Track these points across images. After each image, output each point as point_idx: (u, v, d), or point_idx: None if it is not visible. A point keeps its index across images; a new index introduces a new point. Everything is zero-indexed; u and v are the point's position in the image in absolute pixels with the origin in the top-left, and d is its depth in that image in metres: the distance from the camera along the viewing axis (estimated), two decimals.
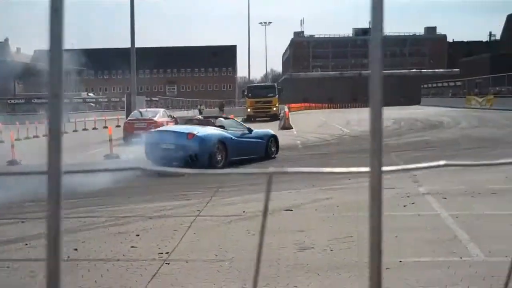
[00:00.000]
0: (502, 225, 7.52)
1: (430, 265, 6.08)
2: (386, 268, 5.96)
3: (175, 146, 15.32)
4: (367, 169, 1.05)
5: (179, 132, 16.02)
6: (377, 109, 1.04)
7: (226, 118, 19.62)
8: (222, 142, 15.78)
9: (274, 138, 18.04)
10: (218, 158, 15.54)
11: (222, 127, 16.75)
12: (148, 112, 27.89)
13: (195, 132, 15.66)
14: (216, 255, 6.68)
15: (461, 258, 6.28)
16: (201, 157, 15.17)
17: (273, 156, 17.61)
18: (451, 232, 7.42)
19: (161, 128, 17.76)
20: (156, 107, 46.05)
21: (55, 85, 0.95)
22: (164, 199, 10.43)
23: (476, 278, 5.58)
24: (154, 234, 7.79)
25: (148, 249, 7.03)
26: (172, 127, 17.70)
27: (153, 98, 63.02)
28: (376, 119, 1.04)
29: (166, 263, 6.43)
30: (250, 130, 17.58)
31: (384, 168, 1.07)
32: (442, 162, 1.19)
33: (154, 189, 11.60)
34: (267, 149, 17.38)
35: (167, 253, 6.84)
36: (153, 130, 17.87)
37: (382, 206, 1.07)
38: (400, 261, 6.20)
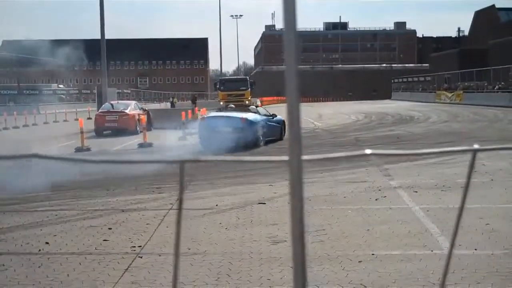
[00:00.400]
0: (472, 218, 7.63)
1: (402, 258, 6.15)
2: (359, 261, 6.02)
3: (232, 129, 17.58)
4: (286, 158, 1.04)
5: (234, 117, 18.37)
6: (294, 97, 1.02)
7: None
8: (263, 125, 18.64)
9: (284, 123, 20.14)
10: (261, 139, 18.36)
11: (256, 113, 19.40)
12: (120, 105, 27.61)
13: (246, 117, 18.37)
14: (189, 249, 6.67)
15: (432, 251, 6.37)
16: (252, 138, 17.86)
17: (282, 138, 20.07)
18: (422, 225, 7.52)
19: (214, 114, 19.78)
20: (128, 99, 45.73)
21: None
22: (136, 192, 10.37)
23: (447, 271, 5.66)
24: (126, 228, 7.74)
25: (120, 243, 6.99)
26: (223, 113, 19.65)
27: (125, 91, 62.50)
28: (294, 106, 1.02)
29: (139, 257, 6.40)
30: (274, 116, 20.29)
31: (305, 157, 1.06)
32: (368, 151, 1.18)
33: (126, 182, 11.51)
34: (281, 132, 20.17)
35: (139, 246, 6.81)
36: (206, 116, 19.74)
37: (304, 194, 1.05)
38: (373, 254, 6.27)
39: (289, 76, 1.02)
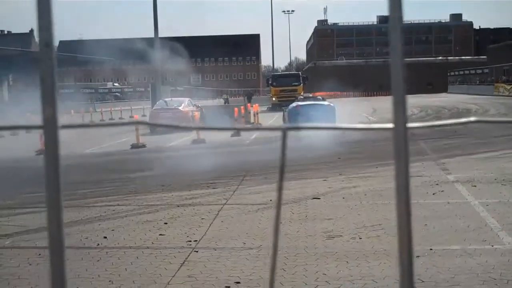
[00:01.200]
0: None
1: (461, 253, 6.00)
2: (417, 256, 5.90)
3: (321, 113, 21.34)
4: (390, 125, 0.99)
5: (321, 104, 23.33)
6: (398, 61, 0.97)
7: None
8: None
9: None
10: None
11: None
12: (174, 102, 27.93)
13: (329, 103, 23.61)
14: (244, 243, 6.68)
15: (492, 246, 6.20)
16: (333, 120, 21.31)
17: None
18: (482, 220, 7.33)
19: (302, 103, 23.92)
20: (182, 96, 46.25)
21: (47, 33, 0.91)
22: (191, 188, 10.46)
23: (508, 266, 5.51)
24: (182, 222, 7.82)
25: (176, 237, 7.06)
26: (307, 101, 24.36)
27: (178, 88, 63.17)
28: (397, 69, 0.97)
29: (195, 251, 6.44)
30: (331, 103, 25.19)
31: (410, 125, 1.00)
32: (472, 119, 1.12)
33: (181, 178, 11.63)
34: None
35: (195, 241, 6.86)
36: (292, 105, 24.00)
37: (409, 167, 0.99)
38: (431, 249, 6.15)
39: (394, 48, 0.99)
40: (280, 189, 1.08)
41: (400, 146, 0.95)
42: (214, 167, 12.39)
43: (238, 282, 5.38)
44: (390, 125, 0.96)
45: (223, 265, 5.92)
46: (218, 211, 8.37)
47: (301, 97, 28.85)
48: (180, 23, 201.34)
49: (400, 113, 0.94)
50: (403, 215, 0.97)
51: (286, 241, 6.76)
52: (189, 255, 6.28)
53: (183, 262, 6.04)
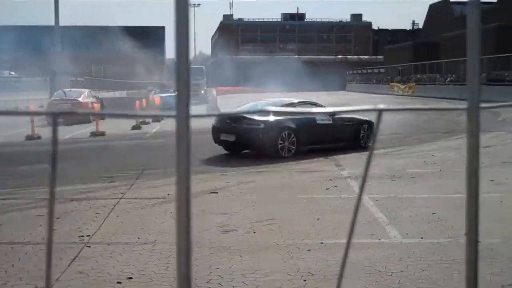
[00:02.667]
0: (419, 208, 7.78)
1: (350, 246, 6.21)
2: (308, 250, 6.08)
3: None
4: (173, 112, 1.01)
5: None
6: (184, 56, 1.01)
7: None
8: None
9: None
10: None
11: None
12: (73, 93, 27.17)
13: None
14: (139, 238, 6.62)
15: (379, 240, 6.47)
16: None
17: None
18: (371, 214, 7.63)
19: (161, 95, 31.20)
20: (82, 87, 45.05)
21: None
22: (87, 181, 10.23)
23: (393, 259, 5.77)
24: (75, 217, 7.64)
25: (68, 232, 6.89)
26: (167, 93, 33.09)
27: (79, 79, 61.38)
28: (183, 62, 1.02)
29: (87, 246, 6.32)
30: None
31: (193, 114, 1.03)
32: (272, 108, 1.19)
33: (77, 171, 11.34)
34: None
35: (88, 236, 6.73)
36: (164, 95, 31.20)
37: (190, 155, 1.01)
38: (322, 243, 6.33)
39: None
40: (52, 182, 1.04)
41: (182, 134, 0.98)
42: (112, 161, 12.18)
43: (130, 278, 5.33)
44: (173, 113, 0.98)
45: (116, 260, 5.84)
46: (114, 206, 8.24)
47: (158, 90, 39.54)
48: (83, 11, 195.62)
49: (183, 104, 0.98)
50: (182, 208, 0.99)
51: None
52: (81, 251, 6.16)
53: (74, 258, 5.92)
